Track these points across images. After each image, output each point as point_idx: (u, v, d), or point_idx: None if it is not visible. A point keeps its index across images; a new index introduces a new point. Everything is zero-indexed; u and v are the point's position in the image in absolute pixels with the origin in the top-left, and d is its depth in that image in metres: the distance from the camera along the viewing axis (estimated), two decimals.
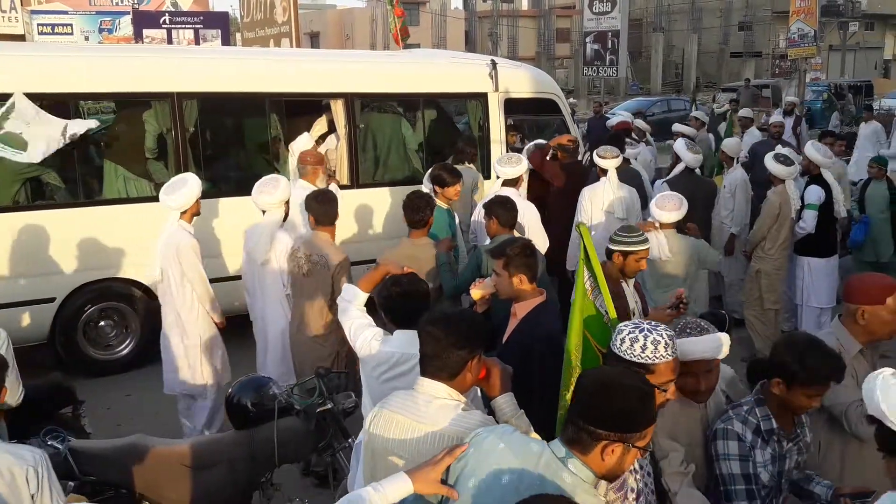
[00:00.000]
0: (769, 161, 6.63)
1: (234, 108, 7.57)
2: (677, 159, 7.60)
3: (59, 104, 6.47)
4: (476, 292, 3.80)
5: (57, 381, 4.43)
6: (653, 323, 2.64)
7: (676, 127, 10.32)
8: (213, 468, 3.89)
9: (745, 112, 13.33)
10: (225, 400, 4.18)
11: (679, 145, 7.53)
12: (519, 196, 6.01)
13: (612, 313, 3.07)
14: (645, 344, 2.53)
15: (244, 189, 6.47)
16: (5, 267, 6.16)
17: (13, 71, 6.40)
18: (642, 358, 2.52)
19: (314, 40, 40.70)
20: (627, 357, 2.54)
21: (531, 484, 2.04)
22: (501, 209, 4.93)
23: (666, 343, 2.55)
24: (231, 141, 7.85)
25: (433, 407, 2.43)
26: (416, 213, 4.95)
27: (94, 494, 3.75)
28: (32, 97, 6.29)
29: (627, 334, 2.57)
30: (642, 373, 2.48)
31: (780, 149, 7.83)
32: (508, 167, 6.20)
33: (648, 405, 2.07)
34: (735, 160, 8.05)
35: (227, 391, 4.19)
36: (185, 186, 5.11)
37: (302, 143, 7.06)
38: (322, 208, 4.98)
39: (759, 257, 6.81)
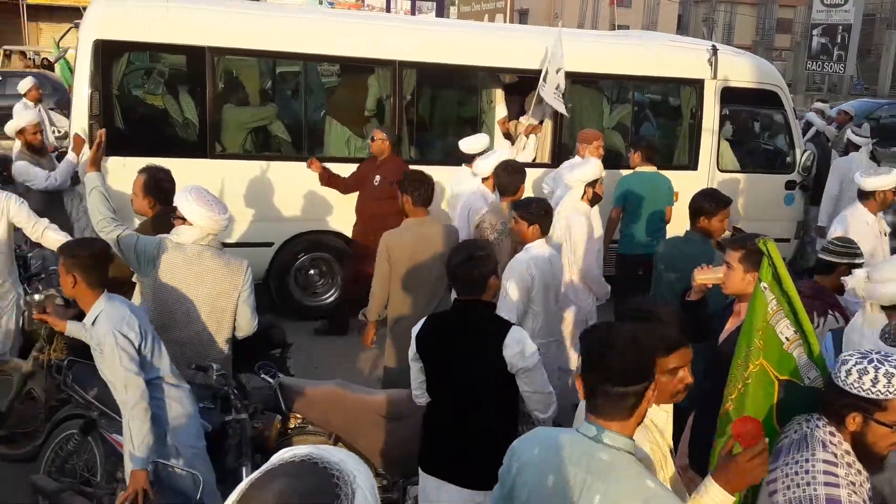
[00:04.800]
0: None
1: (449, 79, 7.77)
2: None
3: (292, 63, 6.94)
4: (702, 277, 3.59)
5: (271, 322, 4.80)
6: (882, 352, 2.36)
7: None
8: (404, 421, 4.06)
9: None
10: None
11: None
12: None
13: (814, 343, 2.60)
14: (876, 377, 2.24)
15: (452, 158, 6.72)
16: (235, 210, 6.73)
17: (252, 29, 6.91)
18: (872, 393, 2.24)
19: (523, 17, 40.83)
20: (854, 391, 2.26)
21: (574, 476, 1.95)
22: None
23: None
24: (444, 111, 8.07)
25: None
26: (419, 189, 4.71)
27: (296, 429, 4.06)
28: (269, 55, 6.80)
29: (854, 365, 2.28)
30: (872, 409, 2.24)
31: None
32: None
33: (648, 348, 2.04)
34: None
35: None
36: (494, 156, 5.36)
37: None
38: (509, 178, 5.07)
39: None
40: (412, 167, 4.87)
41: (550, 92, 7.03)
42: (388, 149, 6.70)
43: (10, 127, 6.87)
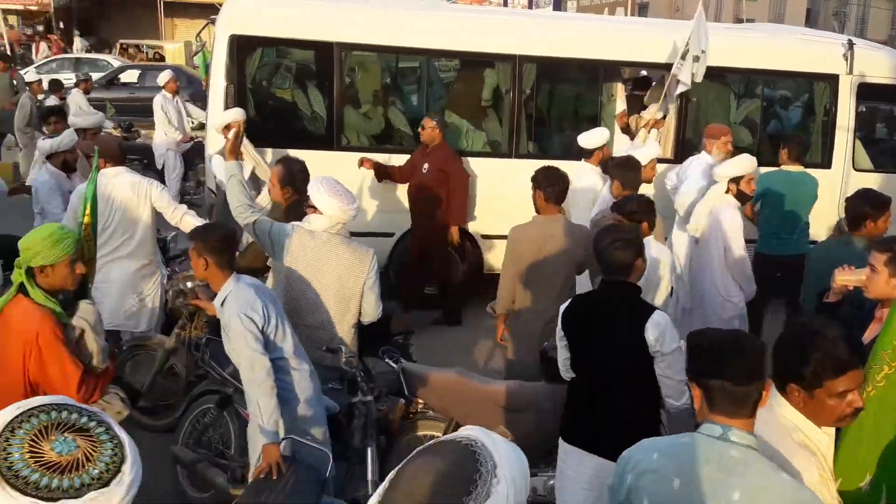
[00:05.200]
0: None
1: (569, 74, 7.73)
2: None
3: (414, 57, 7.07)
4: (843, 279, 3.49)
5: (394, 309, 4.93)
6: None
7: None
8: (522, 413, 4.09)
9: None
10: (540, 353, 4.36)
11: None
12: None
13: None
14: None
15: (570, 153, 6.68)
16: (359, 200, 6.93)
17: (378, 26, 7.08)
18: None
19: (643, 11, 39.92)
20: None
21: (706, 476, 1.95)
22: None
23: None
24: (563, 105, 8.03)
25: None
26: (554, 185, 4.62)
27: (418, 414, 4.16)
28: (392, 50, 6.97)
29: None
30: None
31: None
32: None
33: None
34: None
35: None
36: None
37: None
38: (628, 175, 5.04)
39: None
40: (545, 164, 4.81)
41: (687, 72, 6.88)
42: (438, 137, 6.68)
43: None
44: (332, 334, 3.97)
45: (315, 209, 3.99)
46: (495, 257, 6.70)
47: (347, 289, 3.99)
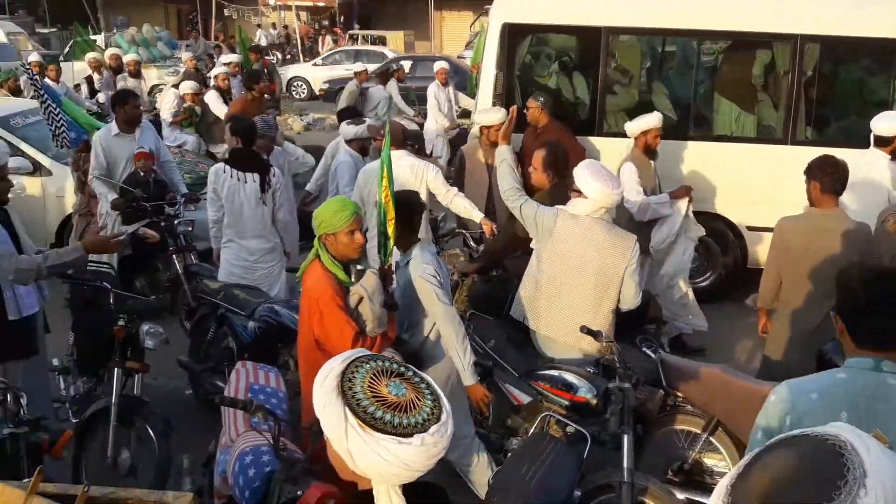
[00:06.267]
0: None
1: (859, 53, 7.00)
2: None
3: (684, 39, 6.82)
4: None
5: (649, 297, 4.83)
6: None
7: None
8: None
9: None
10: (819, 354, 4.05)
11: None
12: None
13: None
14: None
15: (853, 140, 6.07)
16: None
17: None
18: None
19: None
20: None
21: (868, 406, 1.99)
22: None
23: None
24: (849, 88, 7.30)
25: None
26: (832, 174, 4.15)
27: (676, 407, 4.05)
28: (662, 32, 6.78)
29: None
30: None
31: None
32: None
33: None
34: None
35: None
36: None
37: None
38: None
39: None
40: (823, 153, 4.41)
41: None
42: (544, 117, 6.47)
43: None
44: (589, 318, 3.98)
45: (579, 193, 4.02)
46: (762, 251, 6.30)
47: (607, 274, 3.98)
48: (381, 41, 25.02)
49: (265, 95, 9.47)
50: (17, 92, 9.75)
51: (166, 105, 10.11)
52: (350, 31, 27.41)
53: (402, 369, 1.52)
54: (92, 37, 17.72)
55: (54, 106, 6.54)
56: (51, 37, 28.07)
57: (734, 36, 7.05)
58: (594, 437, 3.63)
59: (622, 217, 5.52)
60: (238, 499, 2.93)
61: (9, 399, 3.20)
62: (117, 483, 3.20)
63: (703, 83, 7.39)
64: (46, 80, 10.31)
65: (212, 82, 10.61)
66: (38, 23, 30.84)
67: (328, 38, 26.20)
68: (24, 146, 7.14)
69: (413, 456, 1.41)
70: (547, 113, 6.60)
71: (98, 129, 6.49)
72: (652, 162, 5.90)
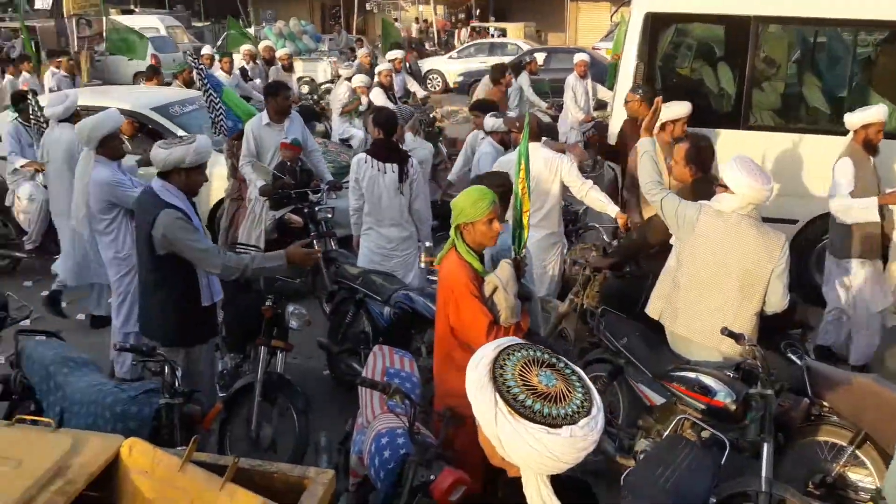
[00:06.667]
0: None
1: None
2: None
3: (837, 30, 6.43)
4: None
5: (794, 301, 4.58)
6: None
7: None
8: None
9: None
10: None
11: None
12: None
13: None
14: None
15: None
16: None
17: None
18: None
19: None
20: None
21: None
22: None
23: None
24: None
25: None
26: None
27: (821, 417, 3.84)
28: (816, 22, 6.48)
29: None
30: None
31: None
32: None
33: None
34: None
35: None
36: None
37: None
38: None
39: None
40: None
41: None
42: (643, 108, 6.16)
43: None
44: (732, 319, 3.84)
45: (726, 188, 3.87)
46: None
47: (753, 274, 3.82)
48: (502, 33, 25.05)
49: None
50: (189, 83, 10.38)
51: (338, 97, 10.48)
52: (471, 24, 27.57)
53: (554, 360, 1.52)
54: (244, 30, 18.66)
55: (215, 95, 6.98)
56: (204, 30, 29.84)
57: (893, 26, 6.57)
58: (732, 444, 3.50)
59: None
60: (373, 479, 3.04)
61: (166, 371, 3.44)
62: (258, 456, 3.38)
63: (858, 76, 6.94)
64: (219, 71, 11.03)
65: (376, 78, 10.95)
66: (194, 17, 32.82)
67: (464, 32, 26.43)
68: (180, 132, 7.62)
69: (561, 447, 1.42)
70: (647, 105, 6.46)
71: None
72: (872, 158, 5.48)
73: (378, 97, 10.00)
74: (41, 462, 2.27)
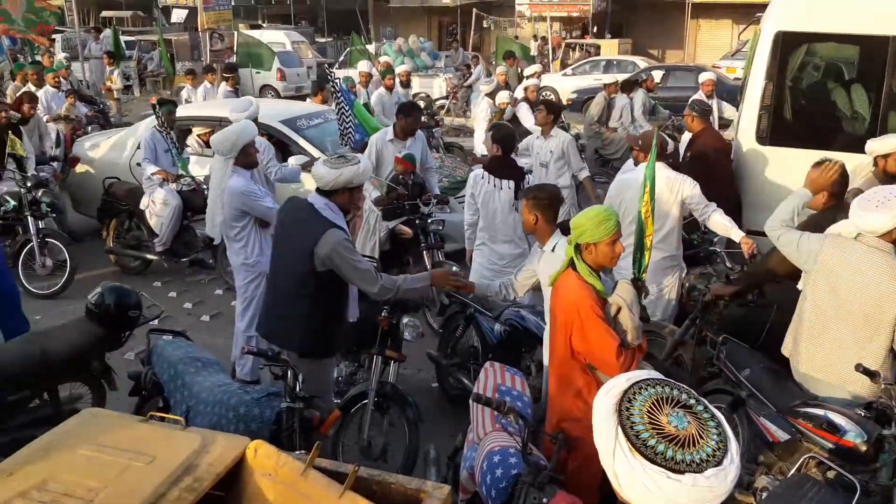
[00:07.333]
0: None
1: None
2: None
3: None
4: None
5: None
6: None
7: None
8: None
9: None
10: None
11: None
12: None
13: None
14: None
15: None
16: None
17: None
18: None
19: None
20: None
21: None
22: None
23: None
24: None
25: None
26: None
27: None
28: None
29: None
30: None
31: None
32: None
33: None
34: None
35: None
36: None
37: None
38: None
39: None
40: None
41: None
42: (698, 124, 6.88)
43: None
44: (855, 355, 3.62)
45: None
46: None
47: (882, 309, 3.58)
48: (597, 50, 24.76)
49: None
50: (325, 101, 10.70)
51: (481, 114, 10.64)
52: (566, 41, 27.29)
53: (692, 401, 1.43)
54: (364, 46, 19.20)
55: (347, 109, 7.23)
56: (327, 46, 30.87)
57: None
58: (862, 487, 3.29)
59: None
60: (484, 497, 3.03)
61: (289, 375, 3.55)
62: (368, 465, 3.44)
63: None
64: (358, 86, 11.61)
65: (521, 94, 10.99)
66: (318, 33, 34.02)
67: (560, 49, 26.25)
68: (303, 143, 7.90)
69: (681, 495, 1.33)
70: (701, 120, 6.94)
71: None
72: None
73: (524, 113, 10.05)
74: (172, 459, 2.37)
